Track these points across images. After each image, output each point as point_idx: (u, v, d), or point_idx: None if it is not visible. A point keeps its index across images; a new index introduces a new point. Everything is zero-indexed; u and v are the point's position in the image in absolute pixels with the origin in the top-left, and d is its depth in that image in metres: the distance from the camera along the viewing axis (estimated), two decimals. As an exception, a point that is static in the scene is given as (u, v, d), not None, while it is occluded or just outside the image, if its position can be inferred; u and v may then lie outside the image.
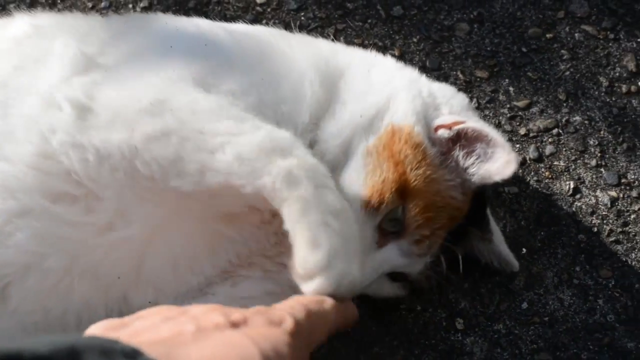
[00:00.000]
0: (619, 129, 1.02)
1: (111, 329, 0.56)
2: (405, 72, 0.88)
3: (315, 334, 0.62)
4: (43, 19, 0.88)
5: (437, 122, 0.79)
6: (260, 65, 0.80)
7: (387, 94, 0.82)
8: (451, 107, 0.83)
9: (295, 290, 0.83)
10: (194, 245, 0.78)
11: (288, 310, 0.61)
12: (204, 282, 0.81)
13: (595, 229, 0.97)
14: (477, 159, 0.77)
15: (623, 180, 1.00)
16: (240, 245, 0.80)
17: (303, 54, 0.83)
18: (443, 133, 0.78)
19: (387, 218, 0.76)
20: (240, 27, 0.90)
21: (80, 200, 0.74)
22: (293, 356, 0.56)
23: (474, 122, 0.78)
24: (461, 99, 0.86)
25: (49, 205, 0.73)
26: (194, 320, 0.56)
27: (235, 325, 0.56)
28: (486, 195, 0.86)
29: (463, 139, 0.78)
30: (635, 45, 1.07)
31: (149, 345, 0.50)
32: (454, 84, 1.04)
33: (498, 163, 0.75)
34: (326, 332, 0.64)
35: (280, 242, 0.81)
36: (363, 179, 0.77)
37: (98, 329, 0.56)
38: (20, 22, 0.86)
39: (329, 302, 0.64)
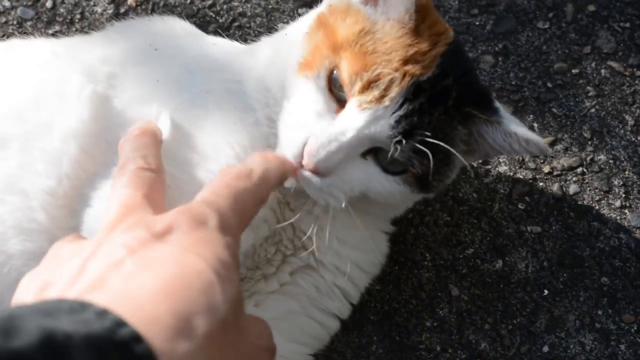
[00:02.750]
0: (644, 169, 1.01)
1: (39, 292, 0.50)
2: None
3: (245, 213, 0.59)
4: (61, 45, 0.86)
5: None
6: None
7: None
8: None
9: (314, 302, 0.82)
10: None
11: (210, 199, 0.57)
12: None
13: (619, 272, 0.96)
14: None
15: (647, 222, 0.98)
16: (245, 257, 0.78)
17: None
18: None
19: (334, 85, 0.70)
20: None
21: None
22: (230, 252, 0.52)
23: None
24: None
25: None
26: (119, 244, 0.50)
27: (162, 236, 0.51)
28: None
29: None
30: (661, 83, 1.05)
31: (93, 292, 0.45)
32: (478, 118, 1.03)
33: None
34: (258, 205, 0.62)
35: (279, 249, 0.81)
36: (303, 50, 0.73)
37: (28, 295, 0.50)
38: (40, 48, 0.85)
39: (257, 173, 0.62)
